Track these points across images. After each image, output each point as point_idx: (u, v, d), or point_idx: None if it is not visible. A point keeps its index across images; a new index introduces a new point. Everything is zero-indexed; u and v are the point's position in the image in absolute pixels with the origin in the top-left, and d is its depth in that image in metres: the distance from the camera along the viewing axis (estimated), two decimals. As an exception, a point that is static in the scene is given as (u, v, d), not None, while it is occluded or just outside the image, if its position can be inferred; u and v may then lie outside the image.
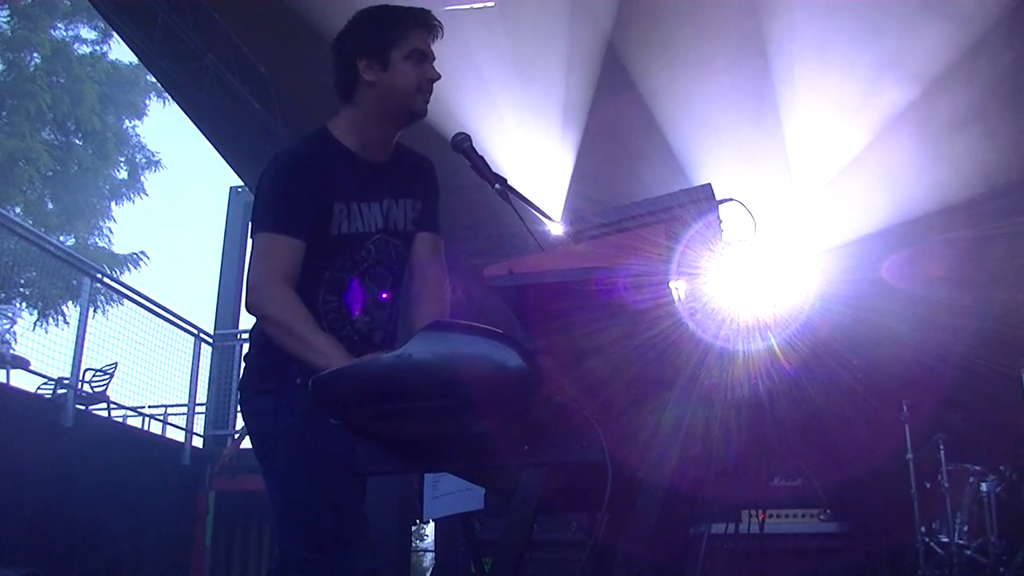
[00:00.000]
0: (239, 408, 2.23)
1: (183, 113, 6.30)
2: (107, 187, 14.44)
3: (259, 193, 2.10)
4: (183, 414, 9.27)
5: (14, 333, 8.00)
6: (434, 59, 2.15)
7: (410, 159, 2.28)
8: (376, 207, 2.15)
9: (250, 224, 2.14)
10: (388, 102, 2.11)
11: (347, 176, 2.11)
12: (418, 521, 9.03)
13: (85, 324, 7.90)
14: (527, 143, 5.35)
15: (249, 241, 2.14)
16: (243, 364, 2.22)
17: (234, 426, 9.41)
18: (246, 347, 2.24)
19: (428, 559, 13.75)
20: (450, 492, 4.13)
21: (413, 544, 12.81)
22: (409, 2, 2.18)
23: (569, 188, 5.65)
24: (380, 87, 2.09)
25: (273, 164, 2.11)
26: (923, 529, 5.06)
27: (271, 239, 2.02)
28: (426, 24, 2.13)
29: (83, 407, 7.65)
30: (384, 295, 2.18)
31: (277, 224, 2.02)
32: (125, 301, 8.97)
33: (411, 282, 2.27)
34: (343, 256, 2.10)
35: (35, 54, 13.42)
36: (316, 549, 1.95)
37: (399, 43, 2.08)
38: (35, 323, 12.01)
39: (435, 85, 2.16)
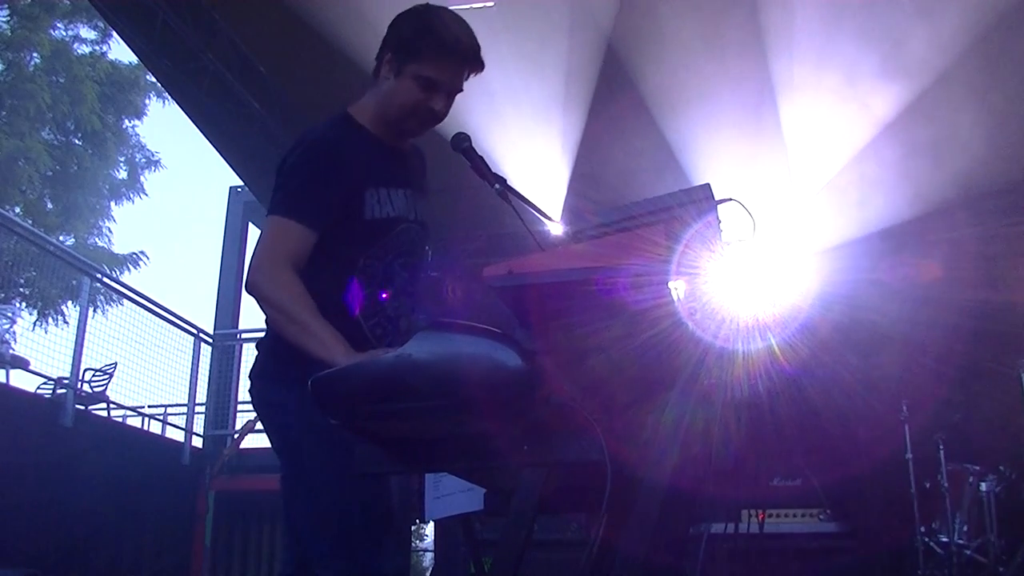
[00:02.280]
0: (252, 398, 2.13)
1: (183, 113, 6.31)
2: (107, 187, 14.43)
3: (280, 175, 2.05)
4: (183, 414, 9.27)
5: (14, 333, 8.01)
6: (457, 91, 2.07)
7: (415, 151, 2.28)
8: (401, 193, 2.13)
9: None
10: (386, 106, 2.09)
11: (375, 161, 2.09)
12: (418, 521, 9.03)
13: (85, 324, 7.90)
14: (527, 143, 5.35)
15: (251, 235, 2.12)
16: (258, 351, 2.16)
17: (234, 426, 9.42)
18: (247, 346, 2.20)
19: (428, 559, 13.75)
20: (451, 493, 4.12)
21: (413, 544, 12.82)
22: (415, 3, 2.15)
23: (569, 188, 5.65)
24: (386, 88, 2.07)
25: (298, 148, 2.06)
26: (923, 529, 5.06)
27: (283, 223, 1.98)
28: (463, 59, 2.05)
29: (83, 407, 7.65)
30: (410, 283, 2.17)
31: (291, 210, 1.98)
32: (125, 301, 8.97)
33: None
34: (376, 242, 2.08)
35: (35, 54, 13.42)
36: (346, 547, 1.92)
37: (418, 62, 2.02)
38: (35, 323, 12.04)
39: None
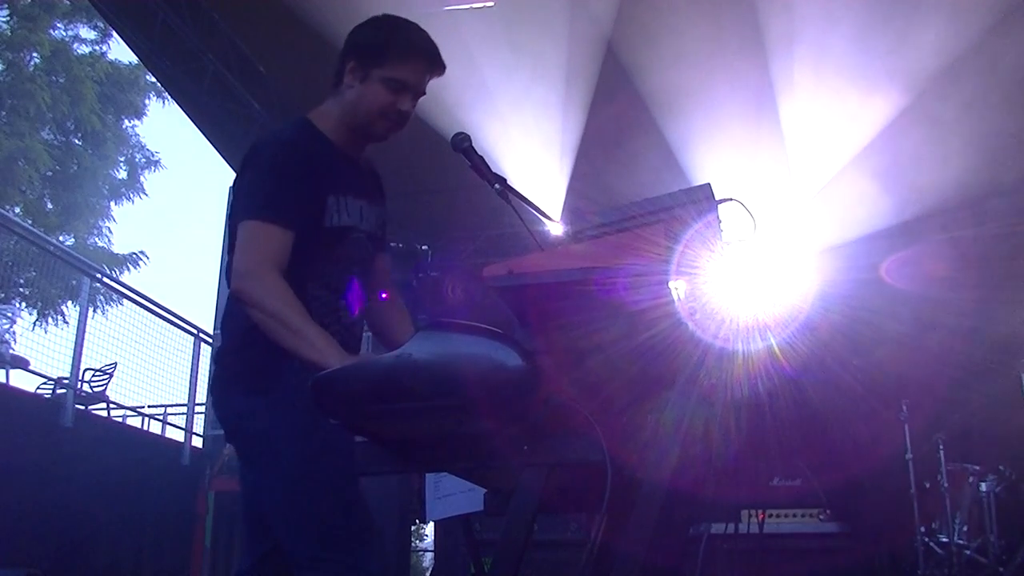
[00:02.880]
0: (217, 410, 2.16)
1: (183, 113, 6.31)
2: (107, 187, 14.44)
3: (250, 177, 2.05)
4: (183, 414, 9.27)
5: (14, 333, 8.00)
6: (420, 94, 2.11)
7: (370, 165, 2.28)
8: (357, 203, 2.14)
9: (235, 208, 2.06)
10: (353, 112, 2.10)
11: (335, 169, 2.10)
12: (418, 521, 9.02)
13: (84, 324, 7.89)
14: (527, 143, 5.35)
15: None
16: (216, 364, 2.16)
17: (234, 426, 9.40)
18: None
19: (428, 559, 13.76)
20: (451, 493, 4.13)
21: (413, 544, 12.83)
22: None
23: (569, 188, 5.65)
24: (353, 95, 2.08)
25: (267, 150, 2.06)
26: (923, 529, 5.06)
27: (263, 227, 1.97)
28: (426, 59, 2.09)
29: (83, 407, 7.65)
30: (363, 290, 2.17)
31: (272, 212, 1.98)
32: (125, 301, 8.97)
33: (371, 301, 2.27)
34: (331, 249, 2.08)
35: (35, 54, 13.43)
36: (331, 548, 1.91)
37: (384, 65, 2.05)
38: (35, 323, 12.04)
39: (436, 84, 2.14)
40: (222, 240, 10.89)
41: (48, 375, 7.56)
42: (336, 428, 1.85)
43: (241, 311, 2.04)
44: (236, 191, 2.09)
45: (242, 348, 2.04)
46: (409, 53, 2.07)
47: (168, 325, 9.01)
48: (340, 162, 2.12)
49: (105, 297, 10.93)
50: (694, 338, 1.73)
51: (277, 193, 2.00)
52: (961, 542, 4.97)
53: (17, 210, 12.73)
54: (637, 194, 1.97)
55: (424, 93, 2.12)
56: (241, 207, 2.02)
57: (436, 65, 2.11)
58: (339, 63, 2.11)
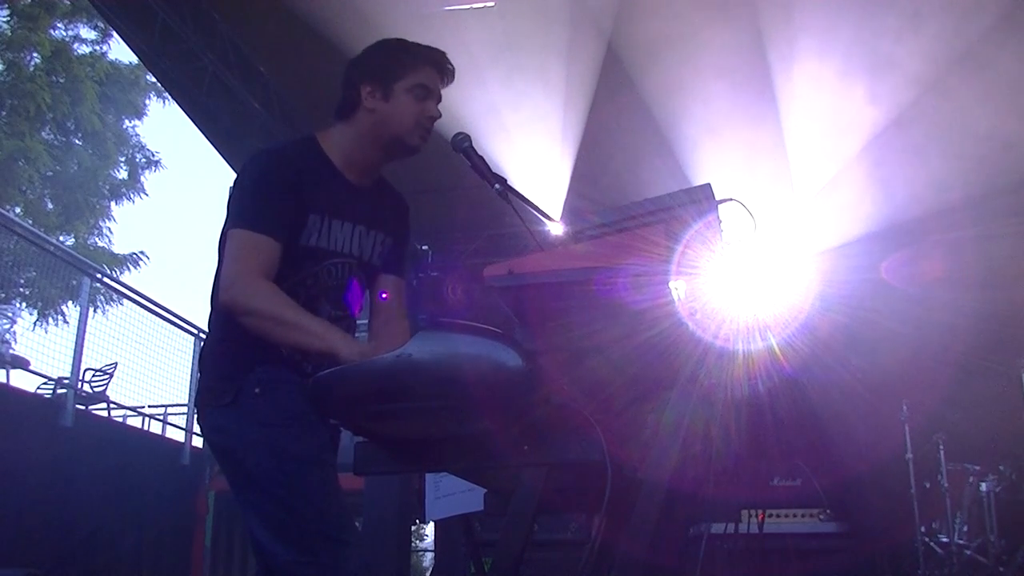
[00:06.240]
0: (198, 422, 2.21)
1: (183, 113, 6.31)
2: (107, 187, 14.44)
3: (242, 188, 2.07)
4: (183, 414, 9.27)
5: (14, 333, 8.01)
6: (440, 99, 2.15)
7: (390, 195, 2.29)
8: (348, 228, 2.14)
9: (225, 219, 2.08)
10: (384, 131, 2.11)
11: (327, 190, 2.10)
12: (418, 521, 9.03)
13: (85, 324, 7.90)
14: (527, 143, 5.35)
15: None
16: (199, 376, 2.20)
17: (234, 426, 9.39)
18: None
19: (428, 559, 13.77)
20: (451, 493, 4.13)
21: (413, 544, 12.83)
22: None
23: (569, 188, 5.65)
24: (379, 115, 2.10)
25: (259, 161, 2.09)
26: (923, 529, 5.06)
27: (253, 237, 1.99)
28: (437, 64, 2.13)
29: (83, 407, 7.65)
30: (337, 312, 2.15)
31: (261, 223, 2.00)
32: (125, 301, 8.97)
33: (371, 321, 2.28)
34: (304, 269, 2.08)
35: (35, 54, 13.42)
36: (307, 551, 1.92)
37: (405, 76, 2.09)
38: (35, 323, 12.03)
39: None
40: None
41: (48, 375, 7.56)
42: (299, 433, 1.91)
43: (215, 324, 2.09)
44: (228, 203, 2.10)
45: (212, 361, 2.09)
46: (423, 59, 2.12)
47: (168, 325, 9.02)
48: (336, 184, 2.12)
49: (105, 297, 10.94)
50: (694, 338, 1.73)
51: (266, 205, 2.02)
52: (961, 542, 4.96)
53: (17, 210, 12.73)
54: (637, 194, 1.97)
55: (441, 99, 2.16)
56: (230, 217, 2.06)
57: (446, 69, 2.15)
58: (348, 91, 2.13)
